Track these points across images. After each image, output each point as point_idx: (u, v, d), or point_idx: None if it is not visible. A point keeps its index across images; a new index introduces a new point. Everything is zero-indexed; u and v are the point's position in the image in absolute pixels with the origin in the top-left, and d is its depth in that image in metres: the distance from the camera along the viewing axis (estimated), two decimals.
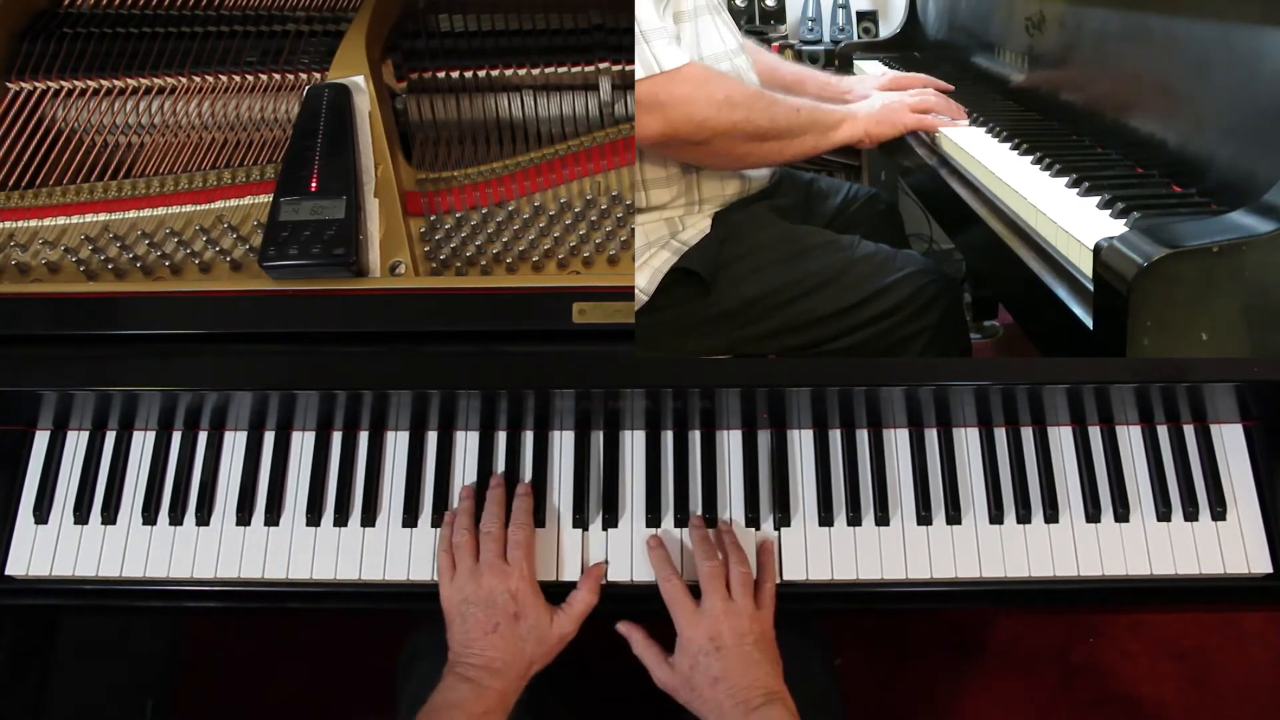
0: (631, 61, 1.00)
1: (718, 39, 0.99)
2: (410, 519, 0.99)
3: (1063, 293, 0.72)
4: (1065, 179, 0.83)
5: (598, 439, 1.01)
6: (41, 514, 1.00)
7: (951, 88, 1.14)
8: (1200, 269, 0.62)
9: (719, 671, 0.87)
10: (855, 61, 1.45)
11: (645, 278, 0.97)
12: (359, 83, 1.02)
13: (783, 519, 0.98)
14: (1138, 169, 0.86)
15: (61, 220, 1.02)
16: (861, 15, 1.53)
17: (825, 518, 0.98)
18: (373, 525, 0.99)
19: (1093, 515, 0.98)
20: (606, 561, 0.97)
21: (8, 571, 0.99)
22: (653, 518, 0.98)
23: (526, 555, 0.92)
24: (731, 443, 1.01)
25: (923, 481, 0.99)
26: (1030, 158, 0.90)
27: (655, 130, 0.89)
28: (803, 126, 0.98)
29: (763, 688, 0.86)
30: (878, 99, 1.08)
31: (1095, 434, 1.01)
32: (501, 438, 1.02)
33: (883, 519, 0.98)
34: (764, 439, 1.01)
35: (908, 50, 1.47)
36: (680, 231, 1.00)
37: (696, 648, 0.88)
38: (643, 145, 0.92)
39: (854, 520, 0.98)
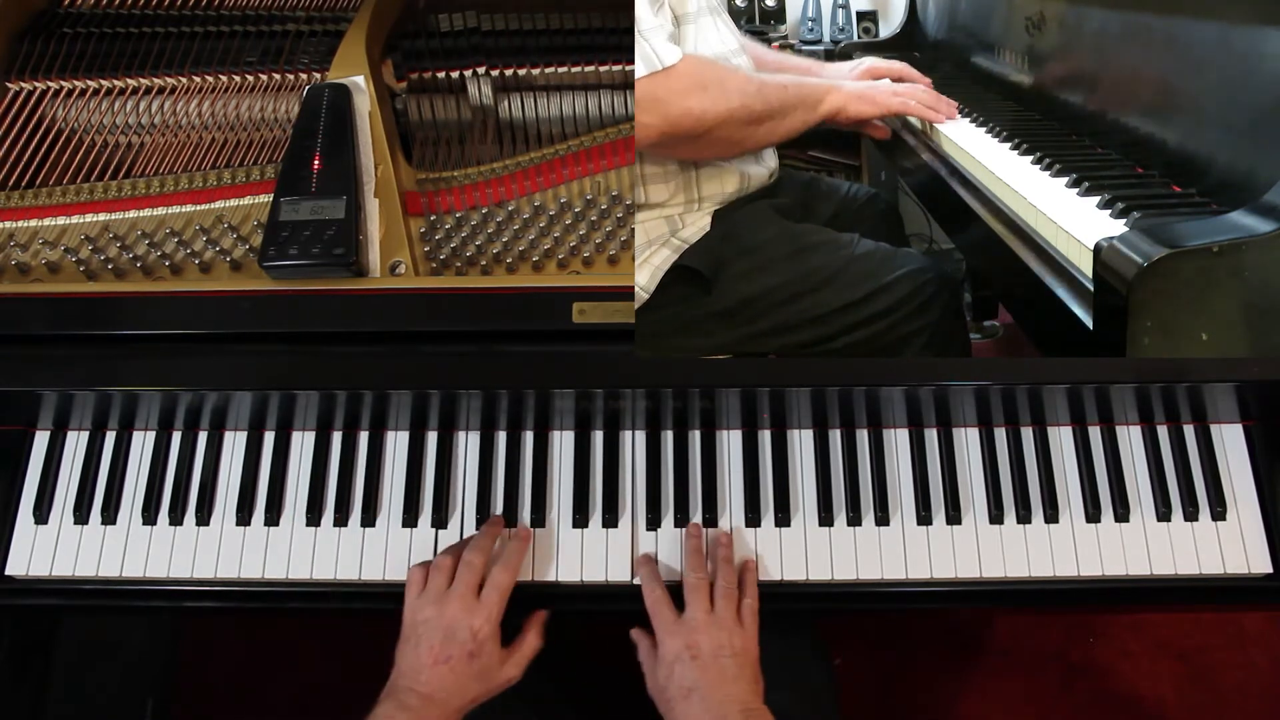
0: (630, 61, 1.00)
1: (717, 40, 0.99)
2: (410, 519, 0.99)
3: (1063, 293, 0.72)
4: (1065, 179, 0.83)
5: (598, 439, 1.01)
6: (41, 514, 1.00)
7: (929, 80, 1.14)
8: (1200, 269, 0.62)
9: (692, 682, 0.84)
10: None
11: (646, 275, 0.97)
12: (359, 83, 1.02)
13: (783, 519, 0.98)
14: (1138, 169, 0.86)
15: (61, 220, 1.02)
16: (861, 15, 1.53)
17: (825, 518, 0.98)
18: (373, 525, 0.99)
19: (1093, 515, 0.98)
20: (604, 557, 0.97)
21: (8, 571, 0.99)
22: (653, 518, 0.98)
23: (502, 599, 0.90)
24: (731, 443, 1.01)
25: (923, 481, 0.99)
26: (1030, 158, 0.90)
27: (655, 128, 0.88)
28: (791, 103, 0.98)
29: (739, 702, 0.84)
30: (868, 79, 1.09)
31: (1095, 434, 1.01)
32: (501, 438, 1.02)
33: (883, 519, 0.98)
34: (764, 439, 1.01)
35: (908, 50, 1.47)
36: (681, 229, 1.00)
37: (674, 656, 0.86)
38: (643, 147, 0.92)
39: (854, 520, 0.98)
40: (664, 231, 0.99)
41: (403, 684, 0.86)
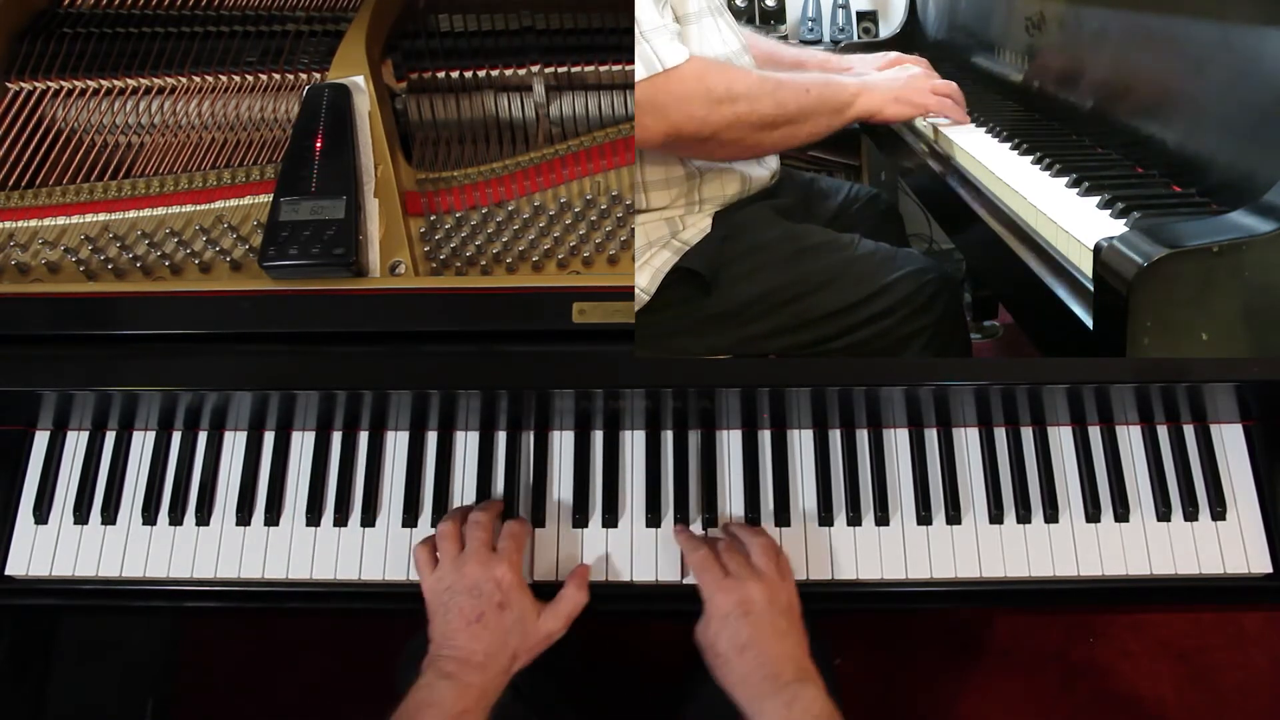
0: (631, 61, 1.00)
1: (719, 41, 0.99)
2: (410, 519, 0.99)
3: (1063, 293, 0.72)
4: (1065, 179, 0.83)
5: (598, 439, 1.01)
6: (41, 514, 1.00)
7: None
8: (1200, 269, 0.62)
9: (746, 638, 0.84)
10: None
11: (646, 277, 0.97)
12: (359, 83, 1.02)
13: (782, 519, 0.98)
14: (1138, 169, 0.86)
15: (61, 220, 1.02)
16: (861, 15, 1.53)
17: (825, 518, 0.98)
18: (373, 525, 0.99)
19: (1093, 515, 0.98)
20: (604, 557, 0.97)
21: (8, 571, 0.99)
22: (652, 517, 0.98)
23: (518, 546, 0.90)
24: (731, 443, 1.01)
25: (923, 481, 0.99)
26: (1030, 158, 0.90)
27: (659, 132, 0.87)
28: (813, 108, 0.93)
29: (793, 660, 0.83)
30: (900, 73, 1.02)
31: (1095, 434, 1.01)
32: (501, 438, 1.02)
33: (883, 519, 0.98)
34: (764, 439, 1.01)
35: (908, 51, 1.47)
36: (681, 231, 0.99)
37: (725, 612, 0.86)
38: (649, 148, 0.91)
39: (854, 520, 0.98)
40: (664, 233, 0.99)
41: (439, 653, 0.85)
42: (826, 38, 1.51)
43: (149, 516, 1.00)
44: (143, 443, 1.03)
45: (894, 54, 1.13)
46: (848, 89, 0.96)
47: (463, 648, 0.84)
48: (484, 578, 0.86)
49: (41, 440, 1.03)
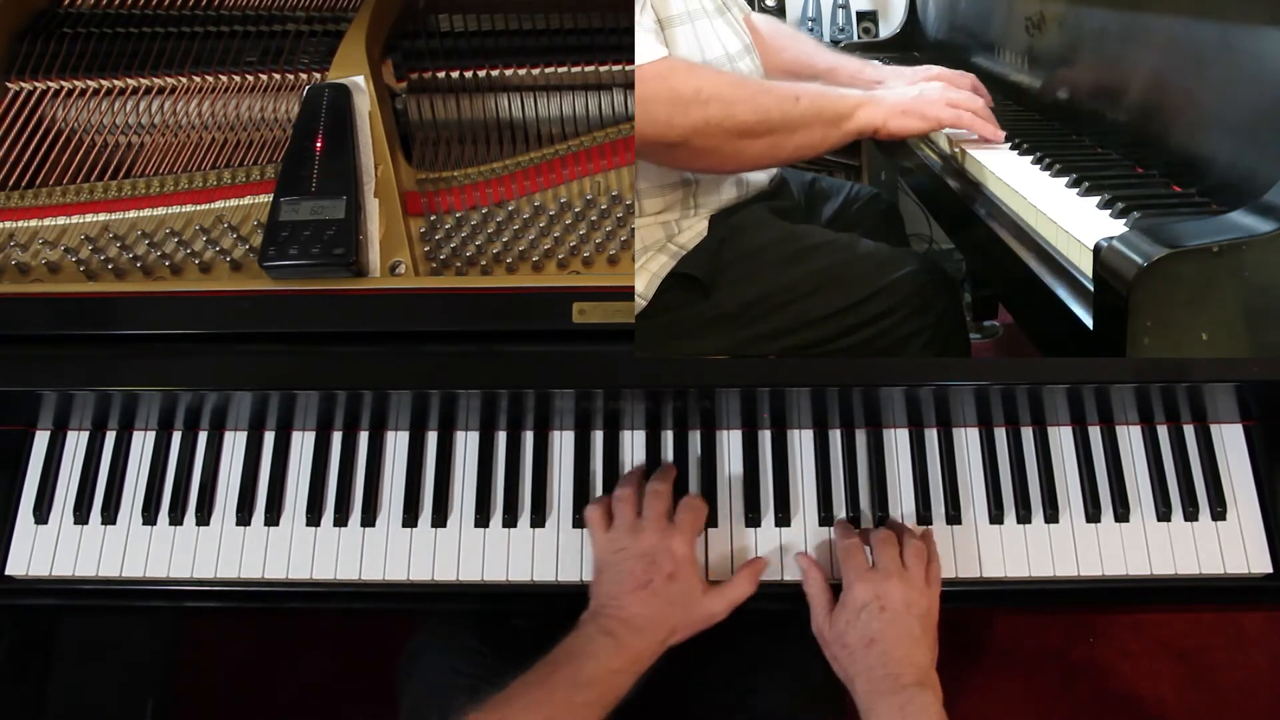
0: (631, 60, 1.00)
1: (718, 42, 0.98)
2: (410, 519, 0.99)
3: (1063, 293, 0.72)
4: (1065, 179, 0.83)
5: (598, 439, 1.01)
6: (41, 514, 1.00)
7: (990, 99, 1.04)
8: (1200, 269, 0.62)
9: (876, 633, 0.84)
10: None
11: (643, 282, 0.96)
12: (359, 83, 1.02)
13: (782, 519, 0.98)
14: (1138, 169, 0.86)
15: (61, 220, 1.02)
16: (861, 15, 1.53)
17: (825, 517, 0.98)
18: (373, 525, 0.99)
19: (1093, 515, 0.98)
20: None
21: (8, 571, 0.99)
22: None
23: (696, 519, 0.89)
24: (731, 443, 1.01)
25: (922, 481, 0.99)
26: (1030, 158, 0.90)
27: None
28: (803, 118, 0.87)
29: (917, 666, 0.84)
30: (914, 88, 0.95)
31: (1095, 434, 1.01)
32: (501, 438, 1.02)
33: (882, 519, 0.98)
34: (764, 439, 1.01)
35: (907, 50, 1.47)
36: (677, 235, 0.99)
37: (861, 604, 0.86)
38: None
39: (853, 520, 0.98)
40: (660, 237, 0.99)
41: (604, 610, 0.85)
42: (826, 38, 1.51)
43: (149, 516, 1.00)
44: (143, 443, 1.03)
45: (936, 69, 1.05)
46: (847, 100, 0.90)
47: (627, 609, 0.84)
48: (659, 547, 0.87)
49: (41, 440, 1.03)
